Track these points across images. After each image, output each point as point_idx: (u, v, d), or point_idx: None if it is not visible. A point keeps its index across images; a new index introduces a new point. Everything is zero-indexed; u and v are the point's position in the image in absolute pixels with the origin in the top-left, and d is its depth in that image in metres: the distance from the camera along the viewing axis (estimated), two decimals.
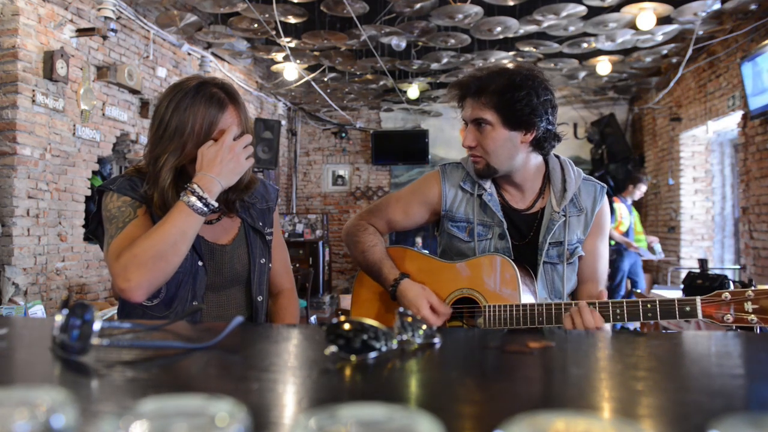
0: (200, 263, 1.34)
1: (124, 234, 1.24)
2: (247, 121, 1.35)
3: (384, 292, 1.57)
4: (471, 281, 1.47)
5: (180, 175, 1.30)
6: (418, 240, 8.02)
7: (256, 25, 5.13)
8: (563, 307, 1.31)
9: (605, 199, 1.58)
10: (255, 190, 1.48)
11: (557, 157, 1.59)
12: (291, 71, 6.28)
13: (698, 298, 1.18)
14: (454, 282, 1.49)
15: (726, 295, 1.14)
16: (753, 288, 1.14)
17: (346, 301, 7.35)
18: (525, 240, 1.54)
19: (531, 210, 1.56)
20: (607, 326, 1.30)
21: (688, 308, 1.19)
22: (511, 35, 5.36)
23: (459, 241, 1.57)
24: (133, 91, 5.09)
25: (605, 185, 1.59)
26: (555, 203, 1.52)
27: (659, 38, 5.48)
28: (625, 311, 1.26)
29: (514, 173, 1.53)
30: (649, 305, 1.23)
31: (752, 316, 1.11)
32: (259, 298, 1.45)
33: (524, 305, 1.35)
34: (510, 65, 1.54)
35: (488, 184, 1.55)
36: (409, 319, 0.81)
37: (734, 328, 1.45)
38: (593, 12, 4.86)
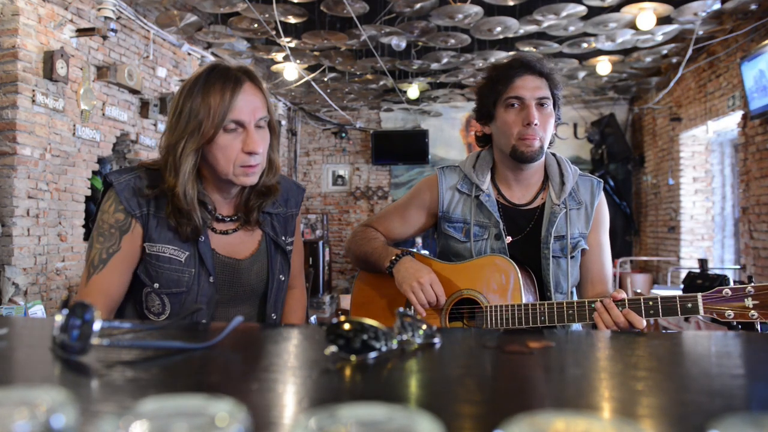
0: (211, 279, 1.26)
1: (103, 276, 1.20)
2: (272, 107, 1.27)
3: (384, 293, 1.57)
4: (472, 282, 1.47)
5: (198, 171, 1.24)
6: (418, 240, 8.01)
7: (256, 25, 5.13)
8: (565, 306, 1.32)
9: (602, 194, 1.60)
10: (278, 197, 1.36)
11: (553, 154, 1.62)
12: (291, 71, 6.28)
13: (699, 295, 1.19)
14: (455, 283, 1.48)
15: (726, 291, 1.16)
16: (753, 284, 1.15)
17: (346, 301, 7.34)
18: (523, 233, 1.55)
19: (531, 205, 1.58)
20: (644, 321, 1.25)
21: (689, 305, 1.19)
22: (511, 35, 5.35)
23: (455, 242, 1.58)
24: (133, 91, 5.09)
25: (601, 180, 1.62)
26: (554, 196, 1.54)
27: (659, 38, 5.48)
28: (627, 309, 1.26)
29: (532, 164, 1.54)
30: (651, 302, 1.23)
31: (753, 311, 1.13)
32: (273, 316, 1.36)
33: (525, 305, 1.35)
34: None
35: (486, 185, 1.56)
36: (409, 319, 0.81)
37: (735, 323, 1.45)
38: (593, 12, 4.85)
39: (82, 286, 1.23)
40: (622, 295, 1.26)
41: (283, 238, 1.37)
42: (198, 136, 1.18)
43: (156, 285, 1.24)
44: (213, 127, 1.17)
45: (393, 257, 1.50)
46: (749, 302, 1.13)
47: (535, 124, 1.46)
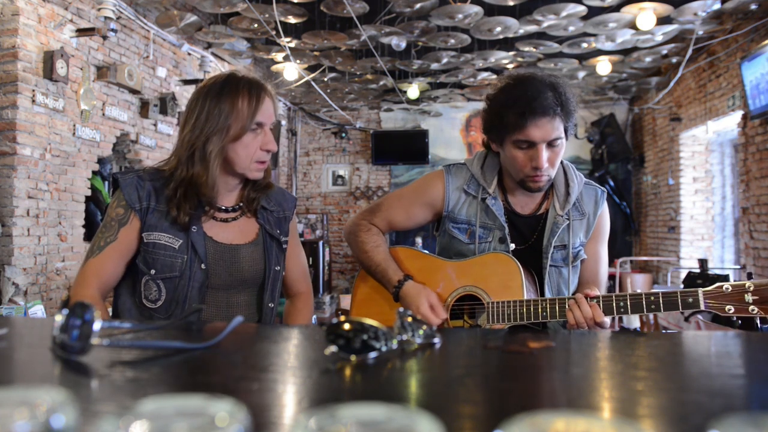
0: (203, 266, 1.36)
1: (98, 260, 1.34)
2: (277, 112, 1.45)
3: (385, 291, 1.57)
4: (474, 279, 1.48)
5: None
6: (418, 240, 8.02)
7: (256, 25, 5.12)
8: (567, 301, 1.33)
9: (605, 204, 1.60)
10: (273, 198, 1.52)
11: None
12: (291, 71, 6.27)
13: (700, 290, 1.21)
14: (457, 280, 1.50)
15: (727, 287, 1.19)
16: (752, 281, 1.19)
17: (346, 301, 7.33)
18: (527, 243, 1.55)
19: (535, 214, 1.58)
20: (608, 320, 1.32)
21: (690, 299, 1.22)
22: (511, 35, 5.35)
23: (459, 243, 1.58)
24: (133, 91, 5.08)
25: (605, 190, 1.62)
26: (558, 207, 1.54)
27: (659, 38, 5.48)
28: (629, 304, 1.28)
29: None
30: (652, 297, 1.26)
31: (752, 306, 1.16)
32: (270, 305, 1.47)
33: (527, 301, 1.36)
34: (549, 74, 1.50)
35: (493, 188, 1.56)
36: (409, 319, 0.81)
37: (735, 318, 1.48)
38: (593, 12, 4.85)
39: (81, 268, 1.37)
40: (595, 292, 1.31)
41: (278, 231, 1.50)
42: (225, 135, 1.34)
43: (152, 271, 1.35)
44: (241, 127, 1.35)
45: (395, 286, 1.51)
46: (749, 298, 1.17)
47: (544, 167, 1.44)
